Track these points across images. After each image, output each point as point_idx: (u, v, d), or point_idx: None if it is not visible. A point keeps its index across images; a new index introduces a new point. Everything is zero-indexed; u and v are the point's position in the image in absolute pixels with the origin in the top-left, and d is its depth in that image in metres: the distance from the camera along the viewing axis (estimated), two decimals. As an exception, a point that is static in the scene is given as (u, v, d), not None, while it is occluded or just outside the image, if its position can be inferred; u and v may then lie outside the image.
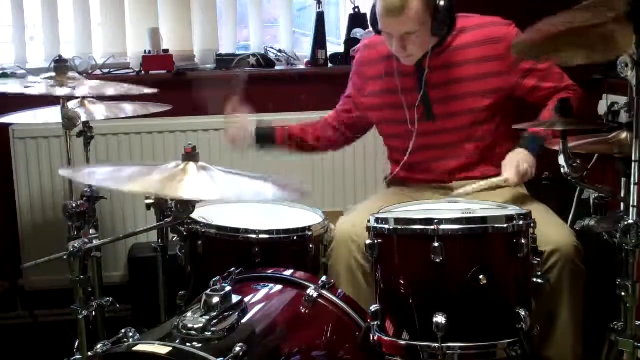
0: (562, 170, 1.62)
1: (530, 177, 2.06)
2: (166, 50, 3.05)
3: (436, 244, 1.60)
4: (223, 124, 2.39)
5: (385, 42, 2.16)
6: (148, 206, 2.04)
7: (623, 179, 1.53)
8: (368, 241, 1.74)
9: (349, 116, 2.42)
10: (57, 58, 2.24)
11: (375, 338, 1.70)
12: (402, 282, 1.70)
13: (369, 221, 1.76)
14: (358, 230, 1.98)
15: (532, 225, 1.71)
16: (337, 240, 2.07)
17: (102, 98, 2.36)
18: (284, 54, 3.27)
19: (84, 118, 2.23)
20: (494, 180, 2.06)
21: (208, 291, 1.54)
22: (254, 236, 1.95)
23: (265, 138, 2.36)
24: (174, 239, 2.13)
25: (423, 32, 2.05)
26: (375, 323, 1.71)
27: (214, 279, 1.67)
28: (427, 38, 2.07)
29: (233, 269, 1.80)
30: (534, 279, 1.73)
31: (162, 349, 1.40)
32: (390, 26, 2.06)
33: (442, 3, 2.02)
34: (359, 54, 2.39)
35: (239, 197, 1.97)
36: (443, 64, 2.15)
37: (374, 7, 2.11)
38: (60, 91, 1.99)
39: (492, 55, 2.13)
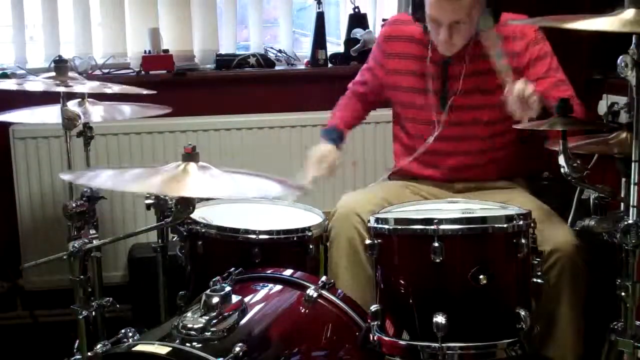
0: (562, 170, 1.62)
1: (536, 104, 1.91)
2: (166, 50, 3.05)
3: (436, 244, 1.60)
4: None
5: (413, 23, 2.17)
6: (148, 206, 2.05)
7: (623, 179, 1.53)
8: (368, 241, 1.74)
9: (364, 88, 2.41)
10: (57, 58, 2.24)
11: (375, 338, 1.70)
12: (402, 282, 1.70)
13: (369, 221, 1.76)
14: (360, 204, 1.99)
15: (532, 225, 1.71)
16: (339, 214, 2.06)
17: (101, 98, 2.36)
18: (284, 54, 3.27)
19: (83, 118, 2.23)
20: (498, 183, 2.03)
21: (208, 291, 1.54)
22: (254, 236, 1.95)
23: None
24: (174, 239, 2.13)
25: (470, 24, 2.04)
26: (375, 323, 1.71)
27: (214, 279, 1.68)
28: (471, 30, 2.07)
29: (233, 269, 1.80)
30: (534, 279, 1.73)
31: (162, 349, 1.40)
32: (443, 12, 2.02)
33: None
34: (385, 28, 2.36)
35: (242, 194, 1.91)
36: (466, 56, 2.14)
37: None
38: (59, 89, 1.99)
39: (511, 51, 2.12)
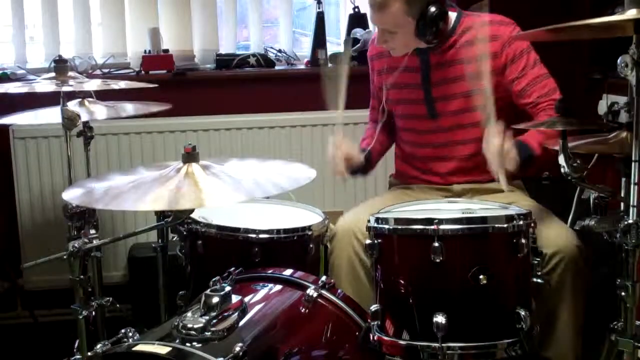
0: (562, 170, 1.61)
1: (514, 161, 1.89)
2: (166, 50, 3.06)
3: (436, 244, 1.60)
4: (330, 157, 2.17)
5: None
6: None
7: (623, 179, 1.53)
8: (368, 241, 1.74)
9: (375, 114, 2.43)
10: (57, 58, 2.24)
11: (375, 338, 1.70)
12: (402, 282, 1.70)
13: (369, 221, 1.76)
14: (360, 226, 1.98)
15: (532, 225, 1.71)
16: (339, 236, 2.07)
17: (102, 97, 2.36)
18: (284, 54, 3.27)
19: (84, 118, 2.23)
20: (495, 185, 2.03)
21: (208, 291, 1.54)
22: (253, 236, 1.95)
23: (365, 167, 2.30)
24: (174, 239, 2.13)
25: (404, 34, 2.07)
26: (375, 323, 1.71)
27: (214, 279, 1.67)
28: (411, 39, 2.09)
29: (233, 268, 1.80)
30: (534, 279, 1.73)
31: (162, 349, 1.40)
32: (373, 19, 2.13)
33: (431, 10, 2.02)
34: (369, 48, 2.42)
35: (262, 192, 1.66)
36: (446, 62, 2.16)
37: None
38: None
39: (488, 53, 2.12)
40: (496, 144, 1.85)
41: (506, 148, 1.86)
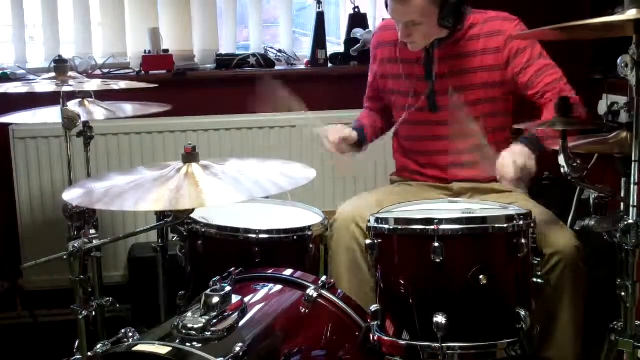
0: (562, 170, 1.61)
1: (531, 173, 1.91)
2: (166, 50, 3.05)
3: (436, 244, 1.60)
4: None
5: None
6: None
7: (623, 179, 1.53)
8: (368, 241, 1.74)
9: (372, 102, 2.45)
10: (57, 58, 2.24)
11: (375, 338, 1.70)
12: (402, 282, 1.70)
13: (369, 221, 1.76)
14: (361, 212, 1.99)
15: (532, 225, 1.71)
16: (339, 222, 2.07)
17: (102, 97, 2.36)
18: (284, 54, 3.27)
19: (84, 118, 2.23)
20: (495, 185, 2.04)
21: (208, 291, 1.54)
22: (253, 236, 1.95)
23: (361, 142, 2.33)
24: (174, 239, 2.13)
25: (428, 24, 2.07)
26: (375, 323, 1.71)
27: (214, 279, 1.67)
28: (433, 29, 2.10)
29: (233, 268, 1.80)
30: (534, 279, 1.73)
31: (162, 349, 1.40)
32: (396, 13, 2.10)
33: None
34: (375, 36, 2.41)
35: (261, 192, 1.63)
36: (450, 55, 2.17)
37: None
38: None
39: (491, 47, 2.14)
40: (512, 170, 1.85)
41: (526, 166, 1.87)
